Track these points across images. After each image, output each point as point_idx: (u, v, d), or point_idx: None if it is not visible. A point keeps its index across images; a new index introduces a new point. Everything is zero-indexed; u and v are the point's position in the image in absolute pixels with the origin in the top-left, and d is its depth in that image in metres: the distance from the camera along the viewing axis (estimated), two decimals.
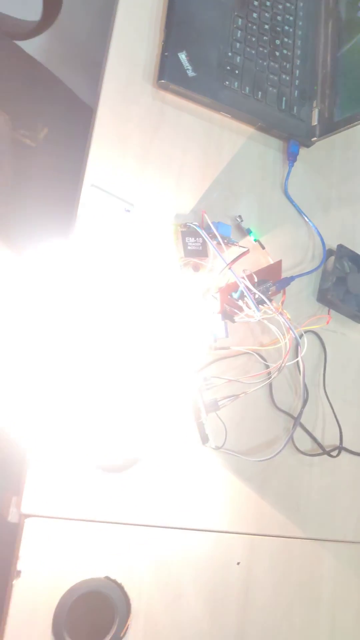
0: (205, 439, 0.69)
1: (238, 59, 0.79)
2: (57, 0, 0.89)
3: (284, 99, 0.82)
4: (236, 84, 0.78)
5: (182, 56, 0.76)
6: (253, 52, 0.81)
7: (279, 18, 0.84)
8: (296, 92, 0.83)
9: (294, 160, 0.83)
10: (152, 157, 0.75)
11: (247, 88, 0.79)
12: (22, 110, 0.88)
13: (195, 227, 0.72)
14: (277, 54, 0.83)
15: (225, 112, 0.79)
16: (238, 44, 0.80)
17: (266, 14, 0.83)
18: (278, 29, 0.84)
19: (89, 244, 0.69)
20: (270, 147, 0.83)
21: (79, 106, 0.99)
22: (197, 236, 0.73)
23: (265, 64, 0.82)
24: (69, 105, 0.96)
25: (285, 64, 0.83)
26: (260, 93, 0.80)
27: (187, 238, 0.72)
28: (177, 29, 0.76)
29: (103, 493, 0.65)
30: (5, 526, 0.64)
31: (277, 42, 0.83)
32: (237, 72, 0.79)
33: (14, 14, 0.96)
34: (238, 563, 0.71)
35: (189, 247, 0.73)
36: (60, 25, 0.91)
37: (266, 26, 0.83)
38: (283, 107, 0.82)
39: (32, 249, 0.70)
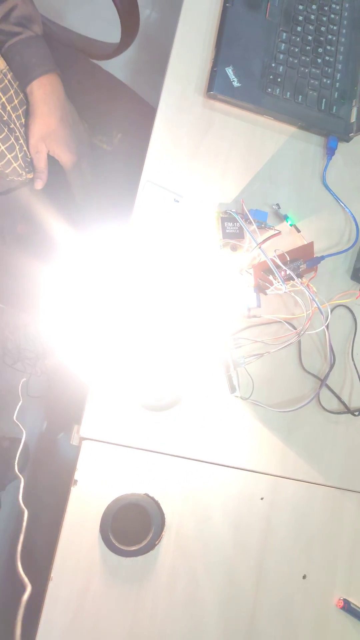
0: (232, 389, 0.82)
1: (281, 68, 0.91)
2: (134, 26, 1.06)
3: (323, 100, 0.92)
4: (278, 90, 0.91)
5: (229, 70, 0.89)
6: (295, 61, 0.92)
7: (322, 29, 0.95)
8: (336, 93, 0.93)
9: (332, 153, 0.93)
10: (200, 155, 0.89)
11: (288, 93, 0.91)
12: (99, 119, 1.06)
13: (232, 213, 0.86)
14: (319, 60, 0.93)
15: (267, 115, 0.92)
16: (281, 55, 0.92)
17: (310, 27, 0.94)
18: (321, 38, 0.94)
19: (145, 227, 0.85)
20: (310, 142, 0.94)
21: (149, 114, 1.15)
22: (234, 221, 0.86)
23: (306, 70, 0.93)
24: (139, 114, 1.12)
25: (327, 68, 0.94)
26: (300, 97, 0.91)
27: (225, 223, 0.86)
28: (225, 47, 0.90)
29: (147, 426, 0.81)
30: (71, 449, 0.82)
31: (320, 50, 0.94)
32: (279, 80, 0.91)
33: (98, 37, 1.15)
34: (262, 498, 0.83)
35: (227, 231, 0.86)
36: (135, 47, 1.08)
37: (309, 37, 0.94)
38: (323, 107, 0.92)
39: (101, 232, 0.87)
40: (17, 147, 0.94)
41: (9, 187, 1.00)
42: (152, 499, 0.80)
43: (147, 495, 0.80)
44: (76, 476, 0.78)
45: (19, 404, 1.07)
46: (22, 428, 1.00)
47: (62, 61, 1.06)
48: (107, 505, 0.78)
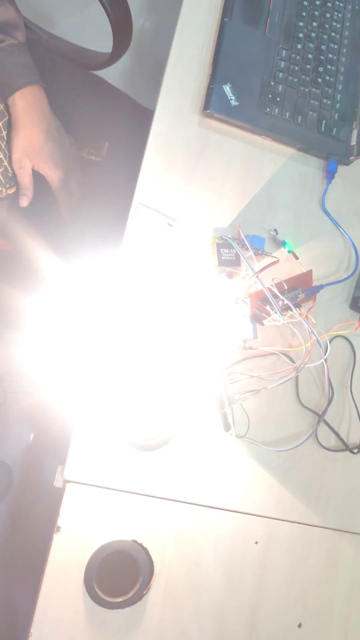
0: (227, 427, 0.77)
1: (280, 87, 0.87)
2: (127, 35, 1.01)
3: (323, 121, 0.89)
4: (277, 110, 0.87)
5: (227, 88, 0.85)
6: (295, 80, 0.89)
7: (323, 47, 0.91)
8: (336, 115, 0.89)
9: (332, 177, 0.89)
10: (196, 177, 0.85)
11: (288, 113, 0.87)
12: (87, 128, 1.00)
13: (228, 239, 0.81)
14: (320, 80, 0.90)
15: (266, 136, 0.87)
16: (281, 74, 0.88)
17: (310, 45, 0.91)
18: (322, 57, 0.91)
19: (137, 252, 0.80)
20: (309, 165, 0.90)
21: (144, 117, 1.09)
22: (230, 247, 0.81)
23: (306, 90, 0.89)
24: (134, 117, 1.07)
25: (327, 89, 0.90)
26: (300, 117, 0.88)
27: (221, 249, 0.81)
28: (223, 64, 0.86)
29: (136, 467, 0.76)
30: (53, 491, 0.76)
31: (320, 69, 0.90)
32: (278, 99, 0.87)
33: (89, 46, 1.10)
34: (256, 542, 0.78)
35: (223, 257, 0.81)
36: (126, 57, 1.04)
37: (310, 56, 0.90)
38: (322, 129, 0.88)
39: (90, 255, 0.82)
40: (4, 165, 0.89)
41: None
42: (141, 545, 0.74)
43: (135, 541, 0.74)
44: (59, 522, 0.72)
45: None
46: None
47: (51, 68, 1.00)
48: (92, 554, 0.72)
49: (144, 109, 1.12)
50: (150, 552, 0.74)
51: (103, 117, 1.05)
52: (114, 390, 0.76)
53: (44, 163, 0.92)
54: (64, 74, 1.03)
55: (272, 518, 0.80)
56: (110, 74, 1.11)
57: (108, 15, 0.99)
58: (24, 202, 0.94)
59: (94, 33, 1.11)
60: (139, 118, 1.10)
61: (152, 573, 0.74)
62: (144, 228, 0.81)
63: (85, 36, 1.13)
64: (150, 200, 0.82)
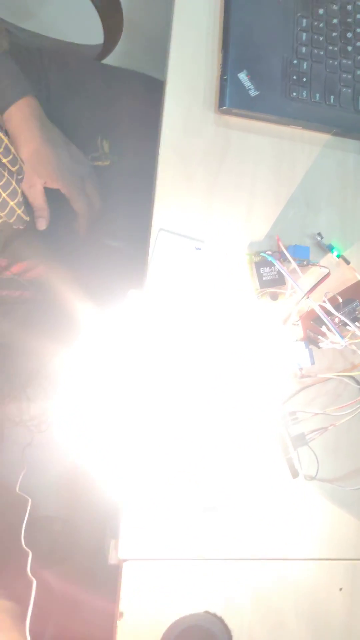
0: (295, 474, 0.68)
1: (305, 64, 0.75)
2: (118, 25, 0.89)
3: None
4: (304, 93, 0.74)
5: (243, 76, 0.73)
6: (322, 52, 0.75)
7: (349, 7, 0.77)
8: None
9: None
10: (220, 186, 0.73)
11: (317, 95, 0.74)
12: (83, 134, 0.89)
13: (267, 256, 0.70)
14: (350, 48, 0.76)
15: (295, 125, 0.75)
16: (304, 48, 0.75)
17: (334, 6, 0.77)
18: (349, 19, 0.77)
19: (164, 284, 0.70)
20: (349, 151, 0.78)
21: (149, 93, 0.97)
22: (271, 265, 0.71)
23: (336, 63, 0.76)
24: (136, 99, 0.95)
25: (359, 57, 0.77)
26: (332, 97, 0.75)
27: (261, 269, 0.71)
28: (235, 48, 0.73)
29: (195, 531, 0.68)
30: (109, 568, 0.69)
31: (349, 34, 0.76)
32: (304, 79, 0.74)
33: (76, 39, 0.98)
34: (340, 589, 0.70)
35: (264, 278, 0.71)
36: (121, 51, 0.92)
37: (334, 20, 0.76)
38: None
39: (112, 300, 0.72)
40: (20, 192, 0.80)
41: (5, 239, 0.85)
42: (214, 615, 0.67)
43: (207, 612, 0.67)
44: (121, 607, 0.65)
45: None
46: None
47: (35, 72, 0.89)
48: (163, 635, 0.65)
49: (153, 80, 0.99)
50: (226, 621, 0.67)
51: (100, 114, 0.93)
52: (161, 448, 0.68)
53: (56, 175, 0.82)
54: (51, 75, 0.91)
55: (355, 559, 0.72)
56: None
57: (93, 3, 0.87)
58: (42, 224, 0.85)
59: (78, 23, 0.98)
60: (148, 96, 0.97)
61: None
62: (169, 256, 0.71)
63: (70, 28, 1.00)
64: (171, 223, 0.71)
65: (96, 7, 0.88)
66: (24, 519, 1.33)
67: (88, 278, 0.85)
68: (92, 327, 0.79)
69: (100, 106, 0.90)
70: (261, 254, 0.71)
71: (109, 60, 1.00)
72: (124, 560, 0.66)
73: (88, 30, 0.94)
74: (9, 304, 0.88)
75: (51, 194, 0.86)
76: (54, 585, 1.17)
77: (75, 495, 1.34)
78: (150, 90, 0.92)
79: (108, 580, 0.69)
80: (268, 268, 0.71)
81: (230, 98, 0.72)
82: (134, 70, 0.95)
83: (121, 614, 0.64)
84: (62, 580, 1.34)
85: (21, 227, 0.84)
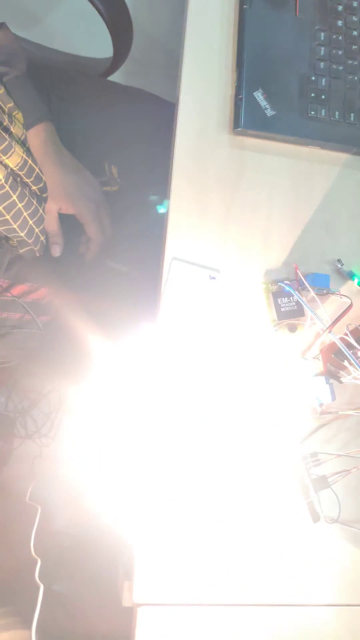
0: (316, 518, 0.65)
1: (323, 80, 0.71)
2: (127, 39, 0.86)
3: None
4: (323, 111, 0.70)
5: (258, 95, 0.69)
6: (341, 68, 0.71)
7: None
8: None
9: None
10: (235, 212, 0.70)
11: (337, 113, 0.70)
12: (92, 159, 0.86)
13: (285, 286, 0.67)
14: None
15: (313, 145, 0.71)
16: (322, 64, 0.71)
17: (354, 18, 0.73)
18: None
19: (177, 316, 0.67)
20: None
21: (160, 114, 0.94)
22: (289, 296, 0.67)
23: (356, 78, 0.72)
24: (155, 118, 0.91)
25: None
26: (352, 115, 0.71)
27: (278, 299, 0.67)
28: (249, 66, 0.69)
29: (214, 575, 0.65)
30: (123, 609, 0.67)
31: None
32: (323, 97, 0.70)
33: (86, 52, 0.94)
34: None
35: (282, 309, 0.67)
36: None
37: (355, 32, 0.72)
38: None
39: (124, 334, 0.69)
40: (40, 211, 0.77)
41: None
42: None
43: None
44: None
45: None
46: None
47: (48, 86, 0.86)
48: None
49: (162, 101, 0.95)
50: None
51: (108, 137, 0.90)
52: (172, 489, 0.65)
53: (72, 201, 0.80)
54: (59, 95, 0.88)
55: None
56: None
57: (101, 14, 0.83)
58: (56, 251, 0.83)
59: (86, 34, 0.94)
60: (157, 118, 0.93)
61: None
62: (183, 286, 0.67)
63: (77, 39, 0.96)
64: (185, 251, 0.68)
65: (103, 17, 0.84)
66: (33, 528, 1.31)
67: (92, 301, 0.83)
68: (102, 355, 0.77)
69: (108, 128, 0.86)
70: (279, 283, 0.68)
71: (117, 78, 0.96)
72: (139, 605, 0.63)
73: (96, 42, 0.90)
74: (9, 327, 0.86)
75: (61, 218, 0.84)
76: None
77: (85, 512, 1.32)
78: (159, 112, 0.89)
79: (118, 611, 0.67)
80: (286, 298, 0.68)
81: (245, 118, 0.69)
82: (143, 89, 0.91)
83: None
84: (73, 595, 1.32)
85: (38, 254, 0.81)
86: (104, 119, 0.88)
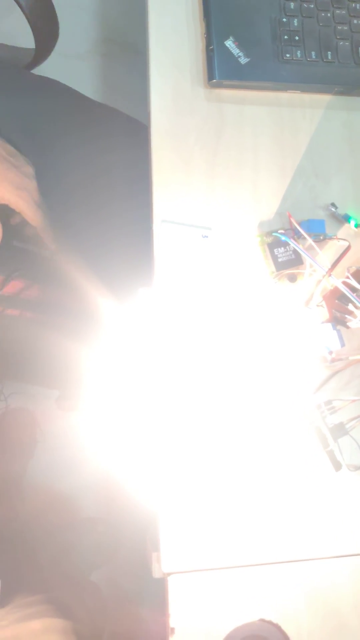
0: (337, 466, 0.64)
1: (295, 21, 0.68)
2: (51, 29, 0.82)
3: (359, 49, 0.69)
4: (299, 53, 0.68)
5: (230, 43, 0.67)
6: (312, 5, 0.69)
7: None
8: None
9: None
10: (220, 166, 0.68)
11: (313, 53, 0.68)
12: None
13: (280, 235, 0.65)
14: None
15: (292, 90, 0.69)
16: (292, 4, 0.68)
17: None
18: None
19: (173, 281, 0.66)
20: (354, 110, 0.71)
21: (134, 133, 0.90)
22: (286, 245, 0.66)
23: (329, 14, 0.69)
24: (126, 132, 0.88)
25: (354, 4, 0.70)
26: (329, 53, 0.68)
27: (275, 250, 0.66)
28: (217, 14, 0.67)
29: (240, 536, 0.64)
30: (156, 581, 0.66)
31: None
32: (296, 38, 0.68)
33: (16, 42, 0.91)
34: None
35: (279, 259, 0.66)
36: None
37: None
38: None
39: (119, 298, 0.68)
40: None
41: None
42: (270, 623, 0.63)
43: (262, 620, 0.63)
44: (172, 623, 0.61)
45: None
46: None
47: None
48: None
49: (136, 123, 0.92)
50: (283, 627, 0.63)
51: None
52: (193, 454, 0.64)
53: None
54: None
55: None
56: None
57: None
58: None
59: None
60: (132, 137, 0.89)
61: None
62: (175, 248, 0.66)
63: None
64: (173, 213, 0.66)
65: (22, 9, 0.80)
66: (64, 521, 1.30)
67: (85, 269, 0.79)
68: (102, 325, 0.75)
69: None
70: (273, 234, 0.66)
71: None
72: (169, 574, 0.62)
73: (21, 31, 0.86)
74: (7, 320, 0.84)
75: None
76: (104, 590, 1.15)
77: (114, 494, 1.32)
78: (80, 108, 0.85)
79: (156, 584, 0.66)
80: (282, 248, 0.66)
81: (219, 69, 0.66)
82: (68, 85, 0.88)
83: (172, 630, 0.61)
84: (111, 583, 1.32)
85: None
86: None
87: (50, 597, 0.94)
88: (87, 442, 1.24)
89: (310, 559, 0.65)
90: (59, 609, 0.91)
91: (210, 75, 0.67)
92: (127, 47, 1.29)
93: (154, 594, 0.65)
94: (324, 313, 0.67)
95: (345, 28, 0.69)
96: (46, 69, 0.89)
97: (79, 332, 0.76)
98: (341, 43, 0.69)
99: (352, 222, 0.69)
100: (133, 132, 0.88)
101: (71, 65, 1.26)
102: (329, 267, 0.64)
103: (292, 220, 0.66)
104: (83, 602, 1.01)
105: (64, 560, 1.24)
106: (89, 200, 0.77)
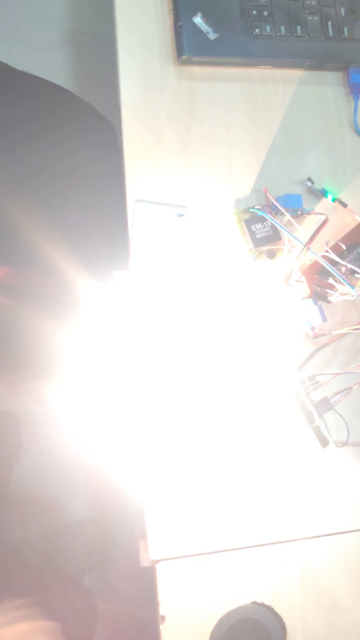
0: (324, 443, 0.63)
1: None
2: None
3: (329, 23, 0.69)
4: (268, 27, 0.67)
5: (198, 19, 0.66)
6: None
7: None
8: (342, 9, 0.69)
9: (359, 89, 0.70)
10: (193, 146, 0.67)
11: (282, 27, 0.67)
12: None
13: (257, 211, 0.64)
14: None
15: (263, 65, 0.68)
16: None
17: None
18: None
19: (149, 261, 0.64)
20: (326, 84, 0.71)
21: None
22: (263, 221, 0.65)
23: None
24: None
25: None
26: (299, 27, 0.68)
27: (252, 226, 0.65)
28: None
29: (228, 520, 0.62)
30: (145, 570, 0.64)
31: None
32: (265, 13, 0.67)
33: None
34: None
35: (257, 236, 0.65)
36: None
37: None
38: (330, 33, 0.69)
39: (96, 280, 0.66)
40: None
41: None
42: (262, 605, 0.62)
43: (255, 603, 0.62)
44: (161, 611, 0.60)
45: None
46: None
47: None
48: (211, 633, 0.60)
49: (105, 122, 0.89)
50: (276, 609, 0.62)
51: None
52: (176, 438, 0.62)
53: None
54: None
55: None
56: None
57: None
58: None
59: None
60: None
61: (284, 632, 0.62)
62: (150, 227, 0.65)
63: None
64: (147, 192, 0.65)
65: None
66: (52, 525, 1.28)
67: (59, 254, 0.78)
68: (79, 309, 0.73)
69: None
70: (250, 210, 0.65)
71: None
72: (157, 561, 0.61)
73: None
74: None
75: None
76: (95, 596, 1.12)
77: (102, 493, 1.30)
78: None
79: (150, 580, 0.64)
80: (260, 224, 0.65)
81: (188, 46, 0.65)
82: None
83: (163, 618, 0.59)
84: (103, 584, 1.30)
85: None
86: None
87: (38, 600, 0.91)
88: (72, 442, 1.22)
89: (300, 539, 0.63)
90: (48, 612, 0.89)
91: (180, 51, 0.65)
92: (98, 37, 1.29)
93: (149, 593, 0.63)
94: (305, 289, 0.66)
95: (314, 3, 0.69)
96: (18, 61, 0.88)
97: (55, 316, 0.75)
98: (310, 17, 0.69)
99: (330, 197, 0.68)
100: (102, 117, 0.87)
101: (43, 56, 1.25)
102: (307, 240, 0.63)
103: (269, 195, 0.65)
104: (72, 604, 0.98)
105: (53, 563, 1.21)
106: (60, 180, 0.76)
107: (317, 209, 0.68)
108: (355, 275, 0.62)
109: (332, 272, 0.61)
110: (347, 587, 0.64)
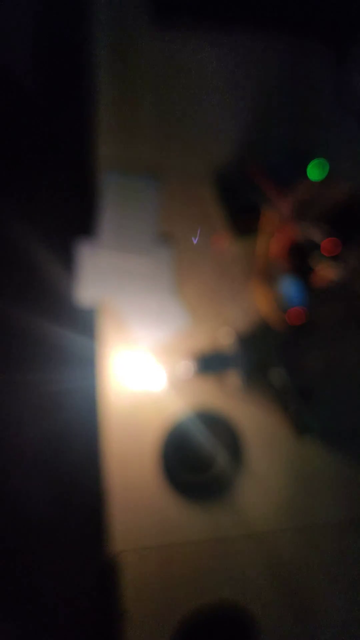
0: (301, 431, 0.59)
1: None
2: None
3: None
4: None
5: None
6: None
7: None
8: None
9: None
10: (168, 112, 0.64)
11: None
12: None
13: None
14: None
15: None
16: None
17: None
18: None
19: (119, 230, 0.60)
20: None
21: None
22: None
23: None
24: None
25: None
26: None
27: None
28: None
29: (196, 510, 0.59)
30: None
31: None
32: None
33: None
34: None
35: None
36: None
37: None
38: None
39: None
40: None
41: None
42: (230, 603, 0.57)
43: (222, 600, 0.57)
44: (122, 606, 0.55)
45: None
46: None
47: None
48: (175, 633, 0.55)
49: None
50: (247, 606, 0.57)
51: None
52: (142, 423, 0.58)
53: None
54: None
55: None
56: None
57: None
58: None
59: None
60: None
61: (254, 630, 0.57)
62: (121, 197, 0.60)
63: None
64: (119, 159, 0.62)
65: None
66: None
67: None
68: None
69: None
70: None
71: None
72: (120, 552, 0.56)
73: None
74: None
75: None
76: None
77: (60, 485, 1.23)
78: None
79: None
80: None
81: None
82: None
83: (124, 614, 0.55)
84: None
85: None
86: None
87: None
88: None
89: (272, 530, 0.59)
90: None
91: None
92: None
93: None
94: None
95: None
96: None
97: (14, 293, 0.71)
98: None
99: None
100: None
101: None
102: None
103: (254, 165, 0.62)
104: None
105: None
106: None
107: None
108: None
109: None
110: (320, 581, 0.59)
